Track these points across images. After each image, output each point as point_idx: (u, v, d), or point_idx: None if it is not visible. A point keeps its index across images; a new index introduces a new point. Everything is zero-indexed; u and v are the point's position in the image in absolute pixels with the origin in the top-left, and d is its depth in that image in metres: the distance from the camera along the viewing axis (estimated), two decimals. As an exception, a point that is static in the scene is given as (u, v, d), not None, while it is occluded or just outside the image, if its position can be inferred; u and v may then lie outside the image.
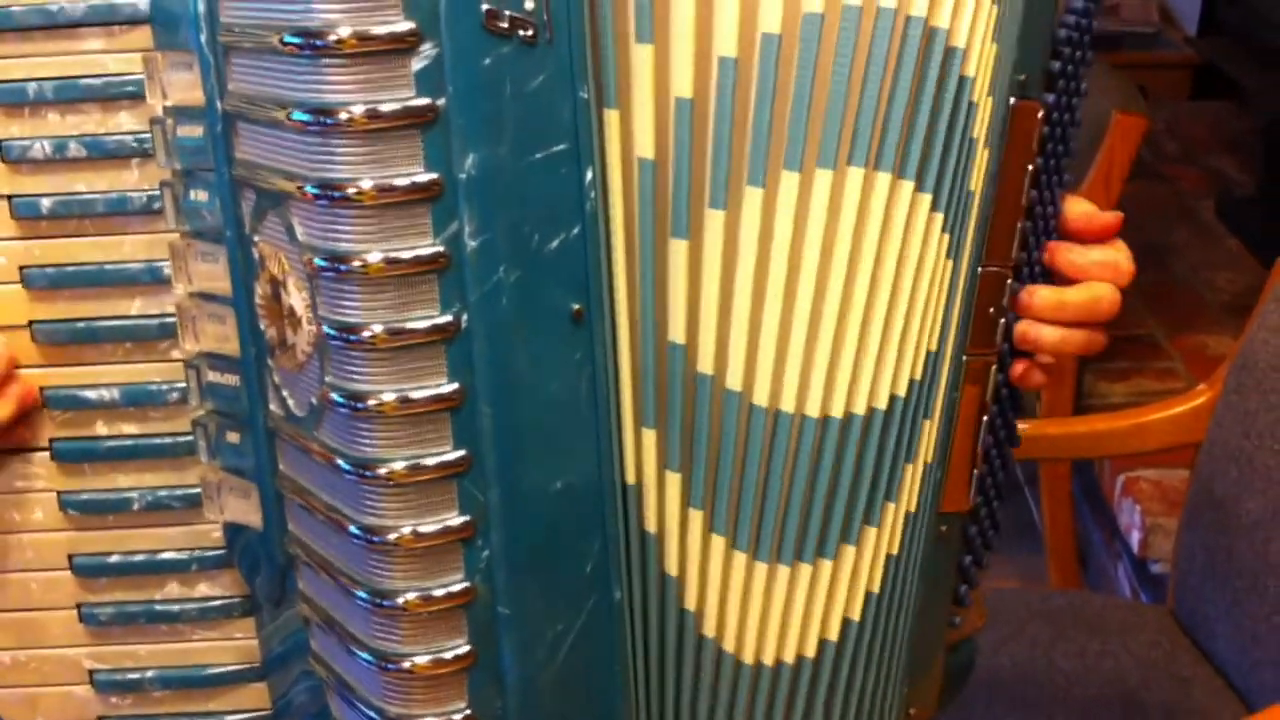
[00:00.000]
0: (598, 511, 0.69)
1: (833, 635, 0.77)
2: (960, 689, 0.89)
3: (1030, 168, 0.76)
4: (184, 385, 0.76)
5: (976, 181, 0.75)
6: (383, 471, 0.66)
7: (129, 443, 0.78)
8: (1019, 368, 0.81)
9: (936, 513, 0.80)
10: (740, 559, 0.74)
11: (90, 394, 0.77)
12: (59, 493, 0.78)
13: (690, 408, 0.71)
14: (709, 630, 0.75)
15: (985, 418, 0.80)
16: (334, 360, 0.65)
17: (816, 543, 0.75)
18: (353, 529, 0.67)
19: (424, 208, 0.63)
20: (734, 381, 0.71)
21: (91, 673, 0.81)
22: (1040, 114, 0.76)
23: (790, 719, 0.78)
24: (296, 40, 0.61)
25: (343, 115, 0.61)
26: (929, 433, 0.77)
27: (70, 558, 0.79)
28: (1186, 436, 1.39)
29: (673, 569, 0.73)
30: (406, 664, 0.68)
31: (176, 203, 0.72)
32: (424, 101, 0.62)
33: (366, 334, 0.64)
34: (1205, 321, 2.25)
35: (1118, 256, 0.81)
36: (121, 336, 0.76)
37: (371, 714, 0.70)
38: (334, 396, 0.66)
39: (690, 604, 0.74)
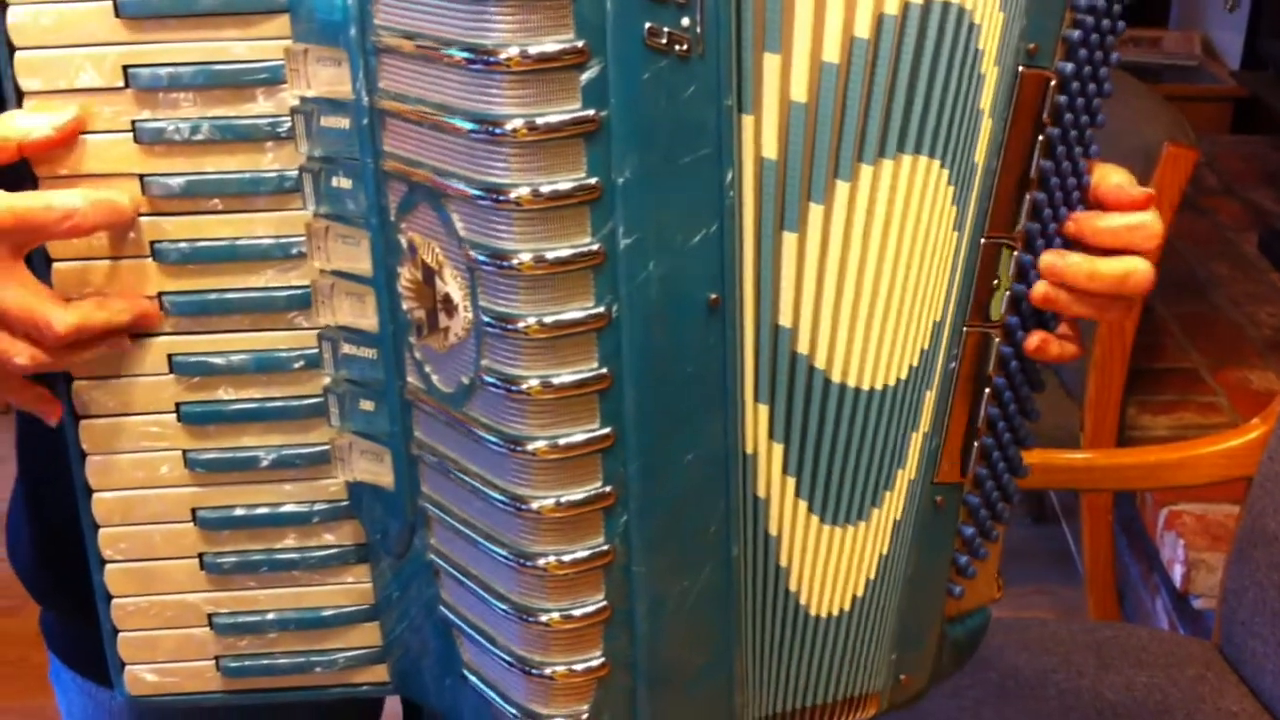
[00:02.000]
0: (722, 479, 0.75)
1: (860, 591, 0.84)
2: (963, 661, 0.91)
3: (1040, 138, 0.79)
4: (310, 353, 0.80)
5: (980, 152, 0.79)
6: (532, 448, 0.71)
7: (254, 406, 0.82)
8: (1034, 339, 0.81)
9: (931, 482, 0.83)
10: (814, 521, 0.81)
11: (218, 360, 0.81)
12: (185, 451, 0.83)
13: (790, 384, 0.77)
14: (794, 585, 0.82)
15: (987, 390, 0.82)
16: (491, 346, 0.70)
17: (858, 506, 0.82)
18: (499, 497, 0.73)
19: (583, 209, 0.68)
20: (820, 360, 0.77)
21: (211, 616, 0.86)
22: (1053, 83, 0.78)
23: (831, 666, 0.86)
24: (467, 55, 0.65)
25: (510, 126, 0.66)
26: (928, 403, 0.81)
27: (194, 511, 0.84)
28: (1238, 470, 1.39)
29: (774, 530, 0.80)
30: (546, 618, 0.75)
31: (316, 187, 0.76)
32: (589, 113, 0.66)
33: (523, 324, 0.69)
34: (1248, 356, 2.24)
35: (1146, 219, 0.80)
36: (250, 307, 0.80)
37: (509, 660, 0.77)
38: (488, 379, 0.71)
39: (784, 561, 0.81)
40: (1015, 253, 0.81)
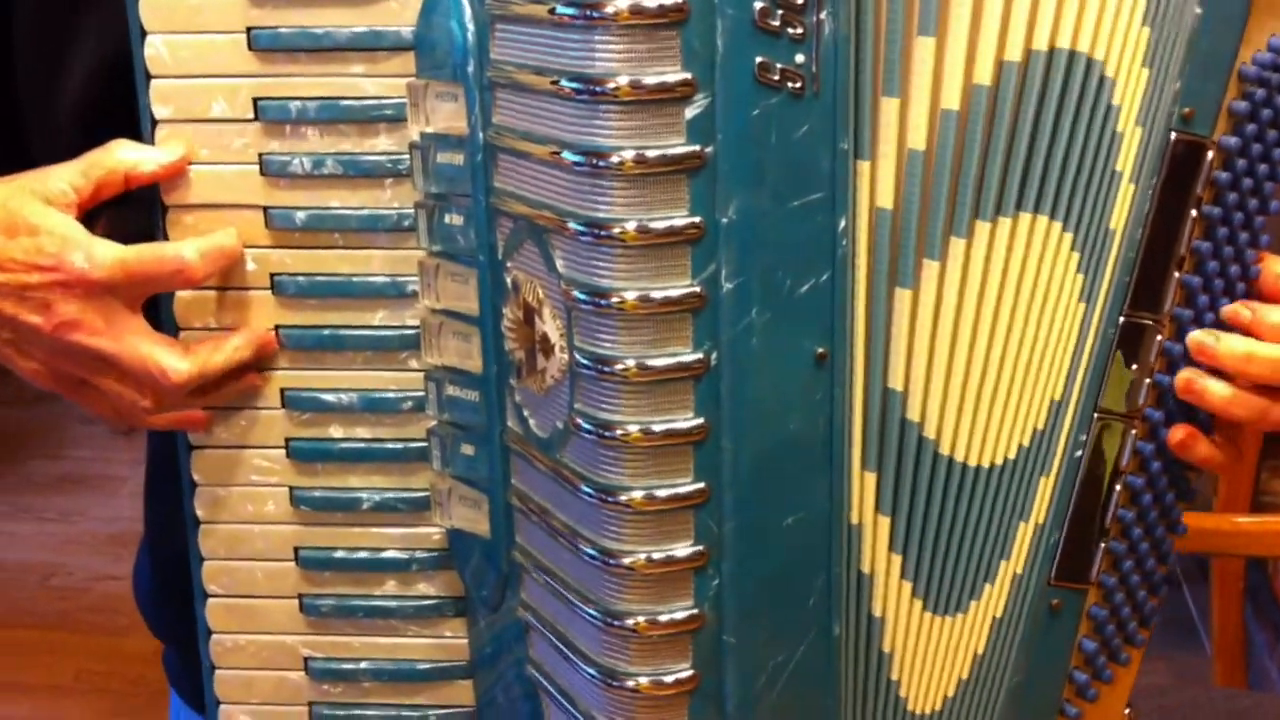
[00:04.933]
0: (825, 549, 0.71)
1: (950, 691, 0.78)
2: None
3: (1194, 213, 0.73)
4: (418, 395, 0.79)
5: (1118, 219, 0.73)
6: (624, 499, 0.68)
7: (361, 445, 0.81)
8: (1178, 433, 0.74)
9: (1046, 583, 0.77)
10: (917, 607, 0.75)
11: (329, 397, 0.80)
12: (292, 488, 0.82)
13: (899, 453, 0.73)
14: (895, 674, 0.76)
15: (1118, 487, 0.76)
16: (585, 389, 0.68)
17: (959, 595, 0.76)
18: (589, 550, 0.70)
19: (685, 249, 0.65)
20: (930, 430, 0.72)
21: (306, 660, 0.85)
22: (1211, 155, 0.73)
23: None
24: (575, 85, 0.64)
25: (615, 159, 0.64)
26: (1044, 491, 0.75)
27: (296, 550, 0.83)
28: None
29: (878, 610, 0.75)
30: (631, 683, 0.71)
31: (430, 224, 0.75)
32: (693, 148, 0.64)
33: (619, 367, 0.66)
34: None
35: None
36: (363, 345, 0.80)
37: (591, 727, 0.73)
38: (582, 423, 0.68)
39: (887, 646, 0.76)
40: (1161, 338, 0.75)
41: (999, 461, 0.74)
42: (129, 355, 0.74)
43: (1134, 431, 0.76)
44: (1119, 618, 0.79)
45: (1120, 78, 0.70)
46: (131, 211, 0.77)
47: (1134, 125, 0.72)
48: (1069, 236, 0.71)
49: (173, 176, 0.76)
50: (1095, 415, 0.75)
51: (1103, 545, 0.77)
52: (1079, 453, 0.75)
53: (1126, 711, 0.82)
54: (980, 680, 0.78)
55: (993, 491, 0.74)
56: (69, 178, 0.74)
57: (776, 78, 0.63)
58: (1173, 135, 0.73)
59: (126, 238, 0.76)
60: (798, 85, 0.64)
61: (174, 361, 0.74)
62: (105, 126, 0.76)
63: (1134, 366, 0.75)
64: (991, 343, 0.72)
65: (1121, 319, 0.74)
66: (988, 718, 0.79)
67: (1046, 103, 0.69)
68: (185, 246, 0.75)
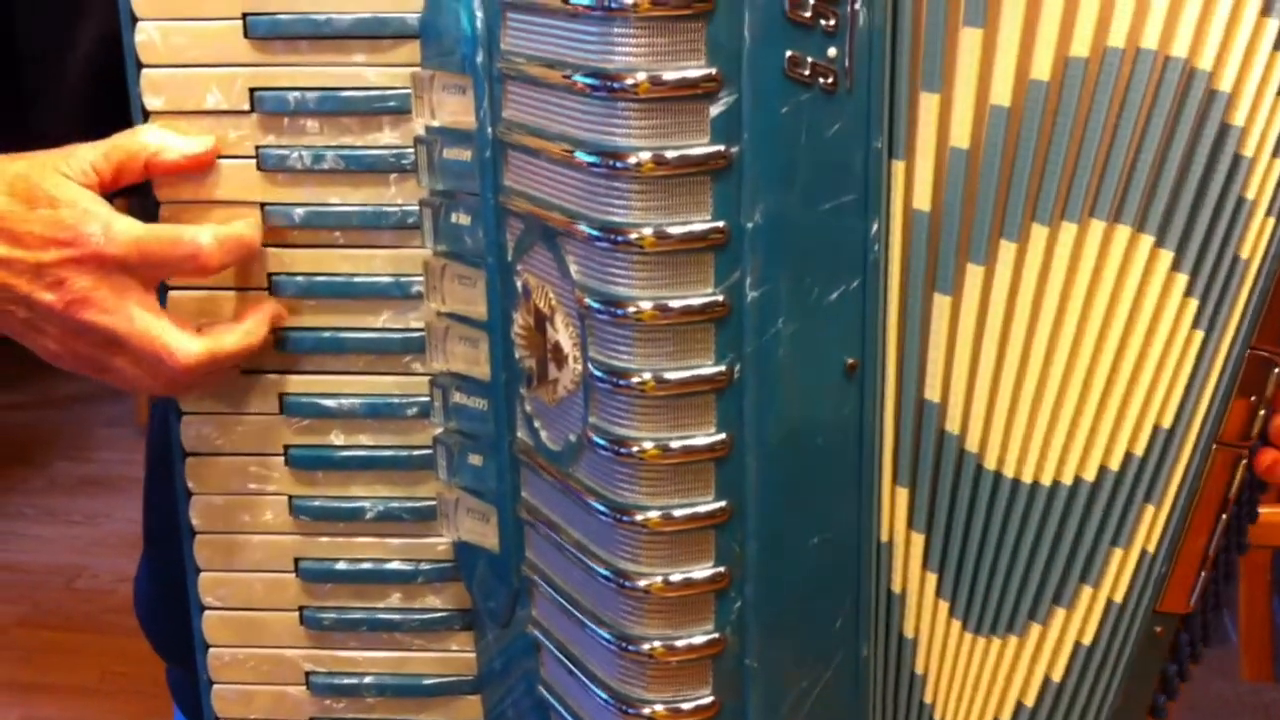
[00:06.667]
0: (853, 568, 0.67)
1: (1005, 716, 0.74)
2: None
3: None
4: (423, 400, 0.76)
5: (1252, 249, 0.68)
6: (640, 518, 0.64)
7: (364, 453, 0.77)
8: (1267, 457, 0.71)
9: (1153, 610, 0.73)
10: (955, 627, 0.72)
11: (330, 403, 0.77)
12: (291, 497, 0.79)
13: (935, 467, 0.69)
14: (929, 696, 0.73)
15: (1224, 516, 0.73)
16: (599, 402, 0.64)
17: (1011, 617, 0.72)
18: (603, 571, 0.66)
19: (707, 256, 0.61)
20: (972, 443, 0.68)
21: (308, 674, 0.81)
22: None
23: None
24: (590, 81, 0.60)
25: (632, 160, 0.60)
26: (1151, 519, 0.71)
27: (297, 561, 0.80)
28: None
29: (910, 631, 0.71)
30: (647, 711, 0.67)
31: (435, 223, 0.72)
32: (718, 148, 0.60)
33: (636, 380, 0.63)
34: None
35: None
36: (365, 348, 0.76)
37: (605, 754, 0.69)
38: (596, 439, 0.64)
39: (920, 668, 0.72)
40: (1277, 371, 0.70)
41: (1067, 480, 0.69)
42: (138, 336, 0.71)
43: (1244, 462, 0.71)
44: (1193, 638, 0.76)
45: (1242, 97, 0.65)
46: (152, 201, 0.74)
47: (1268, 154, 0.66)
48: (1166, 254, 0.66)
49: (197, 169, 0.73)
50: (1215, 447, 0.71)
51: (1204, 575, 0.73)
52: (1197, 484, 0.71)
53: None
54: (1058, 709, 0.74)
55: (1059, 511, 0.70)
56: (90, 158, 0.70)
57: (807, 73, 0.59)
58: None
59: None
60: (829, 81, 0.60)
61: (183, 343, 0.71)
62: (110, 102, 0.73)
63: (1253, 399, 0.70)
64: (1052, 355, 0.67)
65: (1249, 351, 0.70)
66: None
67: (1130, 106, 0.64)
68: (203, 232, 0.71)
